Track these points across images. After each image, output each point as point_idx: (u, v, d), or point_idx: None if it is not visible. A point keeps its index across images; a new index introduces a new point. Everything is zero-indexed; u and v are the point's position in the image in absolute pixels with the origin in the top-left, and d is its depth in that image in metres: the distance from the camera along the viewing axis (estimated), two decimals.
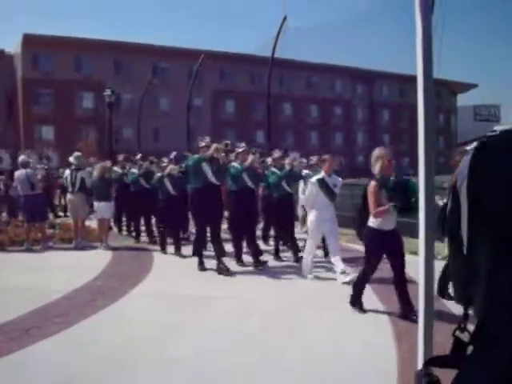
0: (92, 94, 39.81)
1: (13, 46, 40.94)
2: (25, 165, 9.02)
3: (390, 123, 55.76)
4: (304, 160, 9.69)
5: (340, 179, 6.83)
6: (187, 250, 8.21)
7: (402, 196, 4.59)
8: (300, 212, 10.19)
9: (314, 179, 6.60)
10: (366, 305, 4.91)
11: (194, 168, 6.94)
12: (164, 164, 9.00)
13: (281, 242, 8.20)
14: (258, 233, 8.47)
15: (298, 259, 7.31)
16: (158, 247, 8.92)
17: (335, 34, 59.45)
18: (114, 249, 8.93)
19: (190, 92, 20.28)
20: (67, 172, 9.74)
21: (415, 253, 3.45)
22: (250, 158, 7.31)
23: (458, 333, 1.09)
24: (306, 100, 49.12)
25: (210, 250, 7.24)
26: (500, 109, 64.67)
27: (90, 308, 5.02)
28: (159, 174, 8.71)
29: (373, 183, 4.70)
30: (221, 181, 7.19)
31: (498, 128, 1.07)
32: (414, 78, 2.28)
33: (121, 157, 11.53)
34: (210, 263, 7.03)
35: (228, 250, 7.51)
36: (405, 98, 49.50)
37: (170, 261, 7.98)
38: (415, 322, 2.87)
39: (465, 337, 1.07)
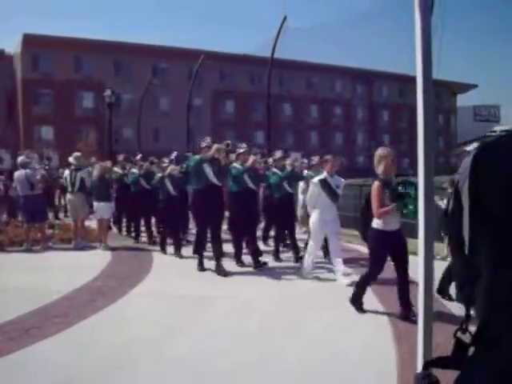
0: (92, 94, 39.85)
1: (13, 46, 41.02)
2: (24, 165, 9.02)
3: (390, 123, 55.82)
4: (305, 160, 9.68)
5: (343, 180, 6.78)
6: (187, 250, 8.20)
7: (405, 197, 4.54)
8: (299, 212, 10.18)
9: (316, 179, 6.55)
10: (366, 305, 4.90)
11: (196, 169, 6.91)
12: (165, 164, 8.99)
13: (281, 244, 8.20)
14: (259, 233, 8.46)
15: (298, 260, 7.30)
16: (157, 247, 8.91)
17: (335, 35, 59.65)
18: (114, 249, 8.92)
19: (190, 92, 20.29)
20: (67, 172, 9.73)
21: (415, 253, 3.45)
22: (251, 158, 7.29)
23: (459, 334, 1.09)
24: (305, 100, 49.17)
25: (209, 251, 7.24)
26: (500, 109, 64.80)
27: (89, 308, 5.02)
28: (160, 175, 8.71)
29: (376, 183, 4.67)
30: (222, 182, 7.16)
31: (498, 128, 1.07)
32: (413, 79, 2.28)
33: (121, 157, 11.52)
34: (210, 264, 7.02)
35: (228, 250, 7.51)
36: (404, 99, 49.55)
37: (169, 261, 7.98)
38: (415, 323, 2.87)
39: (466, 338, 1.07)
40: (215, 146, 6.88)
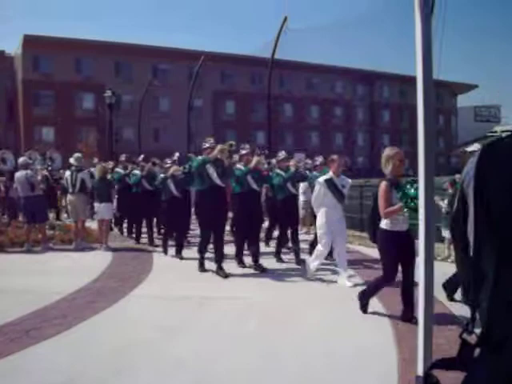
0: (92, 95, 39.84)
1: (13, 48, 41.10)
2: (25, 166, 9.02)
3: (391, 124, 55.75)
4: (309, 161, 9.64)
5: (349, 180, 6.73)
6: (187, 251, 8.19)
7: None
8: (300, 213, 10.15)
9: (321, 179, 6.47)
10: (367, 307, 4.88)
11: (199, 170, 6.86)
12: (167, 165, 8.98)
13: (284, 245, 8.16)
14: (261, 234, 8.41)
15: (300, 262, 7.27)
16: (158, 248, 8.90)
17: (335, 35, 59.70)
18: (114, 250, 8.92)
19: (191, 93, 20.32)
20: (67, 173, 9.74)
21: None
22: (255, 159, 7.25)
23: (464, 335, 1.08)
24: (306, 101, 49.14)
25: (210, 252, 7.22)
26: (500, 109, 64.80)
27: (89, 309, 5.00)
28: (162, 175, 8.69)
29: (384, 183, 4.63)
30: (226, 182, 7.11)
31: (499, 128, 1.06)
32: (414, 79, 2.27)
33: (122, 157, 11.52)
34: (210, 265, 7.01)
35: (229, 251, 7.49)
36: (405, 99, 49.50)
37: (170, 262, 7.97)
38: (415, 324, 2.86)
39: (472, 339, 1.05)
40: (219, 146, 6.82)
